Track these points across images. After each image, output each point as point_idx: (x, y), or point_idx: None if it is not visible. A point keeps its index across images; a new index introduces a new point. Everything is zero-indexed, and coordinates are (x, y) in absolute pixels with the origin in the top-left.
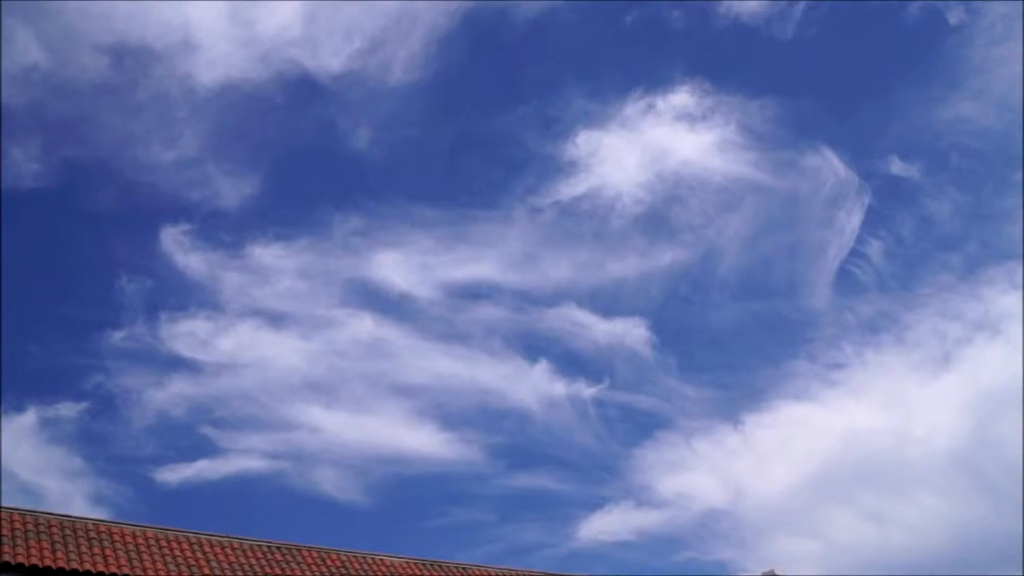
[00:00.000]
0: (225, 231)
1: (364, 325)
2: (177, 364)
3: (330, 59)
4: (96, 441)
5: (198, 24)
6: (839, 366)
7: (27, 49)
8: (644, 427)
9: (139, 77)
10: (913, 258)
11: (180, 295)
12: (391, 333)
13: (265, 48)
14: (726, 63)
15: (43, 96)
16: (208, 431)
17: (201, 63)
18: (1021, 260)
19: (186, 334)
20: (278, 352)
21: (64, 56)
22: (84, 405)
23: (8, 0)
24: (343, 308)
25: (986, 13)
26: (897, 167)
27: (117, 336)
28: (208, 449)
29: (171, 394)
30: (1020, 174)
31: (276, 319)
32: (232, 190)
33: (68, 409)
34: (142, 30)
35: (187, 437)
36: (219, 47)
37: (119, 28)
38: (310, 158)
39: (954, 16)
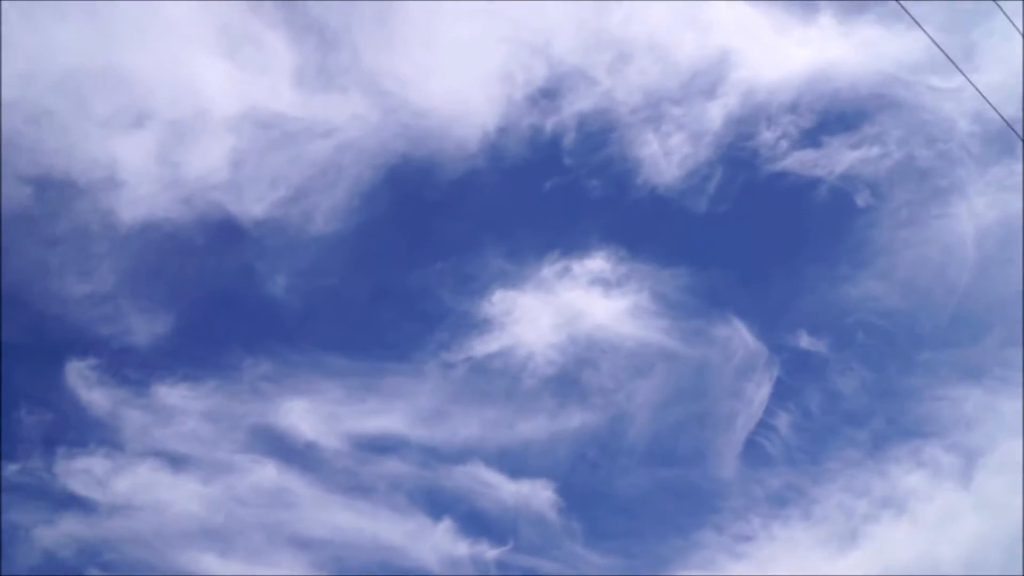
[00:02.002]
0: (132, 368)
1: (267, 472)
2: (70, 502)
3: (253, 204)
4: None
5: (125, 162)
6: (746, 538)
7: None
8: None
9: (60, 209)
10: (820, 432)
11: (80, 431)
12: (294, 482)
13: (190, 189)
14: (641, 232)
15: None
16: (95, 574)
17: (124, 200)
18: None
19: (82, 471)
20: (176, 496)
21: None
22: None
23: None
24: (247, 454)
25: (892, 198)
26: (805, 341)
27: (10, 469)
28: None
29: (61, 533)
30: (924, 354)
31: (177, 461)
32: (143, 327)
33: None
34: (68, 164)
35: None
36: (144, 186)
37: (45, 161)
38: (225, 301)
39: (862, 199)
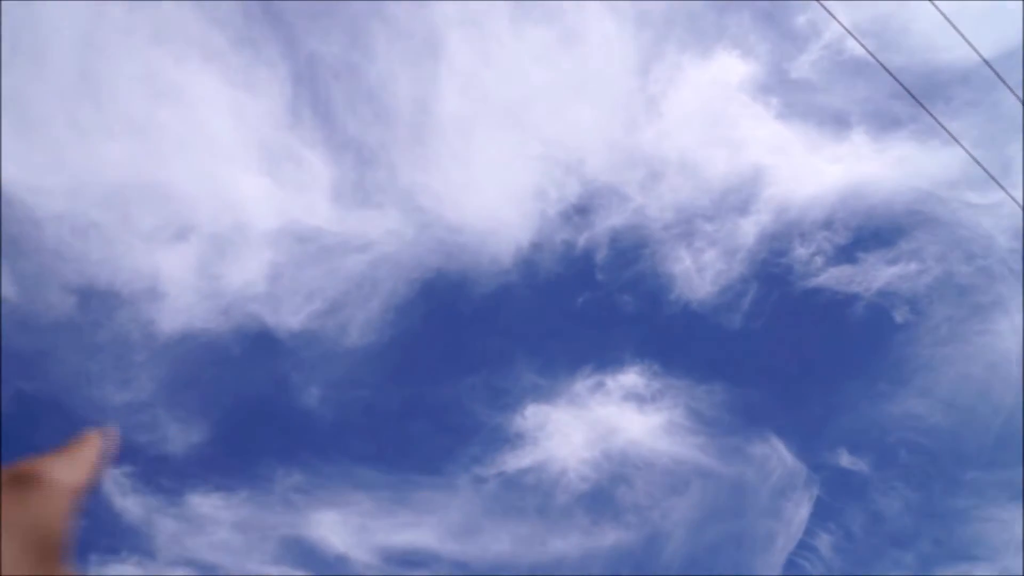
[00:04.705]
0: (167, 477)
1: None
2: None
3: (290, 317)
4: None
5: (167, 274)
6: None
7: None
8: None
9: (102, 319)
10: (864, 554)
11: (114, 538)
12: None
13: (228, 301)
14: (675, 347)
15: (7, 329)
16: None
17: (165, 310)
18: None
19: None
20: None
21: (33, 293)
22: None
23: None
24: (277, 565)
25: (932, 314)
26: (846, 460)
27: None
28: None
29: None
30: (970, 474)
31: (208, 570)
32: (179, 436)
33: None
34: (112, 275)
35: None
36: (184, 297)
37: (89, 271)
38: (260, 411)
39: (900, 315)
